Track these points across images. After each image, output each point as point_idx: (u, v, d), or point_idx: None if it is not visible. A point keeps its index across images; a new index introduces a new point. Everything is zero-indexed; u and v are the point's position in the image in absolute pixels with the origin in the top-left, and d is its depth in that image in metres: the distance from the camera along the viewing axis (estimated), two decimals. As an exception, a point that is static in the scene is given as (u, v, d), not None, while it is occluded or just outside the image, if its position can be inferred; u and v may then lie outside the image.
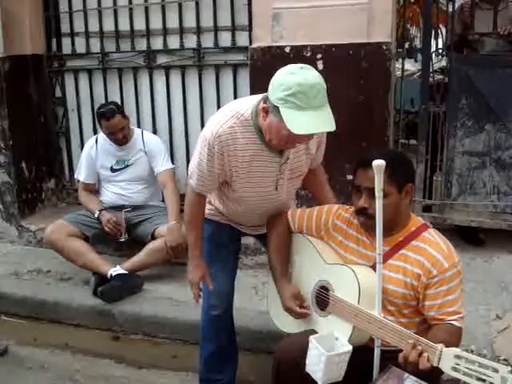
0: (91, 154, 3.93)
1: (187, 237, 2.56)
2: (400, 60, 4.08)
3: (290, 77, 2.00)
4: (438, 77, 4.30)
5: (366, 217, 2.09)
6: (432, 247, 2.06)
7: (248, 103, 2.24)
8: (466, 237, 3.98)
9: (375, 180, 1.87)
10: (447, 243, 2.09)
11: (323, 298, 2.19)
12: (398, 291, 2.07)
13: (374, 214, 1.98)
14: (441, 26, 5.75)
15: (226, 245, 2.62)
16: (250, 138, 2.21)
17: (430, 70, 3.83)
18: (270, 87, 2.06)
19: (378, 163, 1.84)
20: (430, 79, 3.85)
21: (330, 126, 2.01)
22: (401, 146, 4.18)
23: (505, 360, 2.76)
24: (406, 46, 4.20)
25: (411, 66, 6.44)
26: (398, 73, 4.14)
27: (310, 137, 2.13)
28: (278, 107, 2.01)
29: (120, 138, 3.78)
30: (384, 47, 3.43)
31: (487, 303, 3.29)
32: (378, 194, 1.88)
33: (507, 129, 3.73)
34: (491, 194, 3.84)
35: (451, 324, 1.99)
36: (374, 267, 2.07)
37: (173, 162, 4.19)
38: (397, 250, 2.11)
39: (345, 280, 2.10)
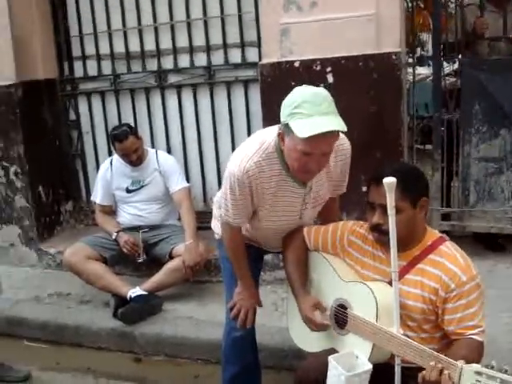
0: (106, 176, 3.95)
1: (235, 267, 2.54)
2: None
3: (293, 94, 2.06)
4: (452, 79, 4.27)
5: (380, 233, 2.07)
6: (449, 260, 2.03)
7: (272, 134, 2.24)
8: (487, 244, 3.93)
9: (387, 197, 1.85)
10: (464, 256, 2.06)
11: (342, 316, 2.17)
12: (417, 306, 2.05)
13: (388, 230, 1.95)
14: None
15: (250, 263, 2.58)
16: (276, 170, 2.24)
17: (441, 77, 3.78)
18: (281, 111, 2.09)
19: (389, 181, 1.82)
20: (442, 85, 3.82)
21: (340, 126, 2.01)
22: (416, 152, 4.15)
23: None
24: (417, 53, 4.16)
25: (424, 69, 6.41)
26: (411, 77, 4.12)
27: (324, 150, 2.09)
28: (288, 124, 2.03)
29: (134, 159, 3.80)
30: (394, 57, 3.41)
31: (510, 310, 3.23)
32: (391, 211, 1.86)
33: (522, 133, 3.69)
34: (509, 199, 3.79)
35: (472, 339, 1.96)
36: (391, 283, 2.04)
37: (188, 180, 4.21)
38: (414, 265, 2.08)
39: (362, 297, 2.08)
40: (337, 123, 2.02)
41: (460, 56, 3.86)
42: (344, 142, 2.32)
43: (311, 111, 1.99)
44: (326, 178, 2.35)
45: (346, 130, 2.02)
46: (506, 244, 3.95)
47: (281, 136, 2.14)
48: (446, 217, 3.93)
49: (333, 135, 2.05)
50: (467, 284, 1.98)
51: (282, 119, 2.08)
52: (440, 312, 2.02)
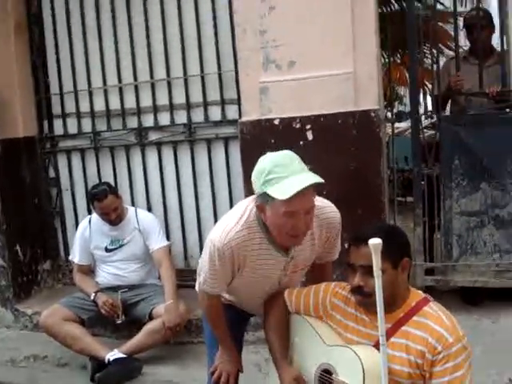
0: (85, 235, 3.89)
1: (215, 333, 2.51)
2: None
3: (261, 162, 2.08)
4: (430, 132, 4.31)
5: (362, 295, 2.02)
6: (435, 322, 1.98)
7: (253, 202, 2.21)
8: (465, 298, 3.90)
9: (373, 259, 1.81)
10: (450, 317, 2.02)
11: (327, 382, 2.10)
12: (404, 371, 1.99)
13: (369, 291, 1.92)
14: (426, 82, 5.88)
15: (231, 325, 2.53)
16: (257, 238, 2.20)
17: (420, 132, 3.82)
18: (253, 185, 2.09)
19: (375, 242, 1.78)
20: (421, 138, 3.85)
21: (315, 179, 2.01)
22: (397, 205, 4.15)
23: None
24: (395, 110, 4.22)
25: (403, 122, 6.51)
26: (390, 130, 4.16)
27: (307, 207, 2.07)
28: (265, 193, 2.01)
29: (113, 218, 3.76)
30: (372, 114, 3.44)
31: (498, 367, 3.18)
32: (377, 273, 1.82)
33: (503, 186, 3.71)
34: (493, 252, 3.78)
35: (461, 405, 1.90)
36: (376, 346, 1.99)
37: (168, 237, 4.18)
38: (398, 327, 2.03)
39: (347, 362, 2.02)
40: (312, 176, 2.02)
41: (437, 111, 3.90)
42: (330, 211, 2.30)
43: (285, 173, 1.99)
44: (309, 246, 2.30)
45: (322, 181, 2.02)
46: (483, 298, 3.90)
47: (260, 208, 2.11)
48: (429, 271, 3.90)
49: (310, 190, 2.03)
50: (454, 346, 1.94)
51: (256, 191, 2.08)
52: (427, 376, 1.96)
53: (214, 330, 2.49)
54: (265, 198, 2.04)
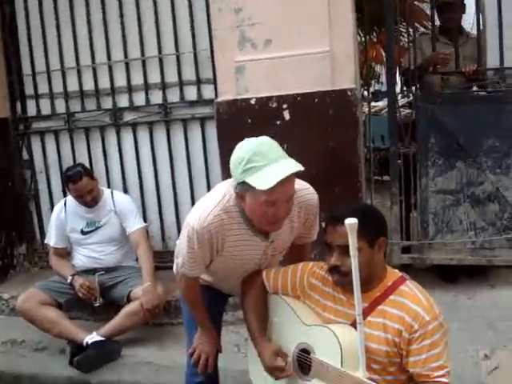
0: (61, 218, 3.84)
1: (193, 315, 2.50)
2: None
3: (239, 150, 2.03)
4: (407, 111, 4.32)
5: (339, 275, 2.03)
6: (411, 301, 2.00)
7: (232, 188, 2.19)
8: (441, 275, 3.94)
9: (349, 239, 1.81)
10: (426, 295, 2.04)
11: (305, 361, 2.11)
12: (381, 349, 2.00)
13: (346, 271, 1.93)
14: (402, 60, 5.88)
15: (209, 306, 2.52)
16: (236, 223, 2.19)
17: (396, 112, 3.82)
18: (232, 172, 2.06)
19: (351, 222, 1.78)
20: (398, 117, 3.86)
21: (296, 167, 1.98)
22: (374, 183, 4.17)
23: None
24: (372, 89, 4.21)
25: (379, 101, 6.52)
26: (367, 109, 4.15)
27: (288, 194, 2.06)
28: (244, 182, 1.99)
29: (89, 200, 3.71)
30: (349, 93, 3.44)
31: (474, 342, 3.23)
32: (353, 253, 1.82)
33: (478, 164, 3.75)
34: (468, 230, 3.83)
35: (439, 381, 1.92)
36: (353, 325, 2.00)
37: (145, 219, 4.15)
38: (375, 306, 2.04)
39: (325, 341, 2.02)
40: (293, 165, 1.99)
41: (414, 90, 3.90)
42: (307, 193, 2.29)
43: (264, 161, 1.96)
44: (288, 228, 2.30)
45: (302, 169, 2.00)
46: (460, 275, 3.95)
47: (239, 196, 2.09)
48: (406, 250, 3.93)
49: (290, 178, 2.01)
50: (431, 324, 1.95)
51: (236, 180, 2.05)
52: (404, 354, 1.98)
53: (192, 311, 2.49)
54: (244, 187, 2.02)
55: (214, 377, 2.65)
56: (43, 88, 4.50)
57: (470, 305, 3.67)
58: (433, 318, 1.96)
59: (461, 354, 3.05)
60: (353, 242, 1.83)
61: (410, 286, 2.06)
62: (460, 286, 3.88)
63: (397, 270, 2.15)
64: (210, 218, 2.14)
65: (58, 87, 4.46)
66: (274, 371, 2.17)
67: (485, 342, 3.22)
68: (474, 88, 3.90)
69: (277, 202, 2.03)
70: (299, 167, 1.99)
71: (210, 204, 2.18)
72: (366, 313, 2.02)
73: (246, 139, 2.06)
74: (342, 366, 1.96)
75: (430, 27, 4.23)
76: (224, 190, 2.21)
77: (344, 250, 1.90)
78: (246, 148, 2.01)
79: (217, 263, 2.32)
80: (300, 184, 2.26)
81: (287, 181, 1.98)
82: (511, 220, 3.77)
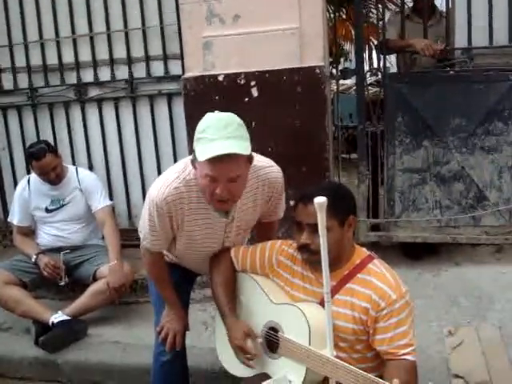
0: (24, 196, 3.76)
1: (160, 292, 2.50)
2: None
3: (201, 121, 2.05)
4: (374, 89, 4.32)
5: (309, 253, 2.04)
6: (378, 279, 2.01)
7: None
8: (407, 253, 3.99)
9: (318, 218, 1.80)
10: (393, 274, 2.06)
11: (273, 339, 2.12)
12: (348, 327, 2.02)
13: (316, 249, 1.92)
14: (372, 38, 5.88)
15: (177, 284, 2.53)
16: (195, 197, 2.19)
17: (364, 90, 3.82)
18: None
19: (320, 201, 1.77)
20: (366, 96, 3.86)
21: (239, 149, 1.98)
22: (342, 162, 4.18)
23: (461, 377, 2.74)
24: (340, 67, 4.20)
25: (348, 80, 6.52)
26: (335, 87, 4.14)
27: (228, 175, 2.04)
28: (195, 150, 2.02)
29: (53, 177, 3.63)
30: (317, 71, 3.41)
31: (439, 319, 3.28)
32: (322, 232, 1.82)
33: (444, 143, 3.77)
34: (434, 208, 3.87)
35: (406, 359, 1.95)
36: (322, 303, 2.02)
37: (111, 197, 4.11)
38: (343, 285, 2.06)
39: (293, 320, 2.03)
40: (237, 146, 1.99)
41: (382, 69, 3.90)
42: (270, 171, 2.29)
43: (214, 136, 1.98)
44: (251, 207, 2.30)
45: (246, 153, 2.02)
46: (425, 253, 4.00)
47: (192, 165, 2.12)
48: (373, 227, 3.96)
49: (235, 159, 2.00)
50: (397, 302, 1.97)
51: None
52: (371, 332, 2.00)
53: (159, 287, 2.49)
54: (194, 156, 2.05)
55: (182, 354, 2.65)
56: (5, 62, 4.37)
57: (435, 282, 3.72)
58: (399, 296, 1.98)
59: (425, 330, 3.10)
60: (322, 221, 1.82)
61: (378, 265, 2.07)
62: (425, 263, 3.93)
63: (365, 249, 2.17)
64: (169, 190, 2.15)
65: (20, 61, 4.34)
66: (239, 350, 2.17)
67: (449, 319, 3.28)
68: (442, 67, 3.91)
69: (218, 179, 2.04)
70: (243, 150, 2.00)
71: (170, 177, 2.20)
72: (334, 291, 2.04)
73: (216, 111, 2.07)
74: (309, 344, 1.98)
75: (399, 4, 4.21)
76: (184, 164, 2.22)
77: (314, 228, 1.89)
78: (205, 119, 2.03)
79: (179, 240, 2.33)
80: (263, 161, 2.28)
81: (228, 160, 1.98)
82: (476, 199, 3.82)
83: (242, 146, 2.00)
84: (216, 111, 2.07)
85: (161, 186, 2.18)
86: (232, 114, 2.06)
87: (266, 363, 2.15)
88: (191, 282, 2.75)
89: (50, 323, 3.40)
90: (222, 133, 1.98)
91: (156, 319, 2.60)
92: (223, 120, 2.02)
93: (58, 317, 3.42)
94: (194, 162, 2.09)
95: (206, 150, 1.97)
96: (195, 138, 2.04)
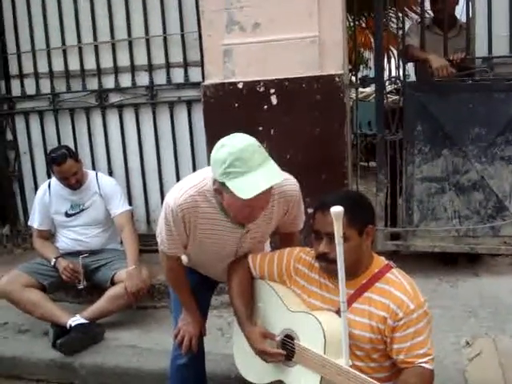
0: (44, 200, 3.80)
1: (178, 296, 2.54)
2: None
3: (221, 150, 2.01)
4: (394, 97, 4.31)
5: (327, 262, 2.03)
6: (396, 289, 2.01)
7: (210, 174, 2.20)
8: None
9: (334, 227, 1.81)
10: (412, 283, 2.05)
11: (289, 347, 2.12)
12: (365, 336, 2.02)
13: (334, 258, 1.92)
14: (392, 47, 5.87)
15: (196, 288, 2.54)
16: (211, 207, 2.22)
17: (384, 98, 3.82)
18: (212, 167, 2.07)
19: (337, 210, 1.78)
20: (385, 104, 3.86)
21: (276, 179, 2.02)
22: (360, 170, 4.17)
23: (477, 388, 2.73)
24: (360, 75, 4.20)
25: (367, 87, 6.51)
26: (354, 95, 4.14)
27: (266, 201, 2.11)
28: (224, 183, 2.01)
29: (73, 182, 3.67)
30: (337, 79, 3.42)
31: (456, 330, 3.25)
32: (338, 241, 1.82)
33: (463, 153, 3.75)
34: (452, 218, 3.85)
35: (422, 367, 1.94)
36: (338, 312, 2.01)
37: (130, 202, 4.14)
38: (361, 293, 2.05)
39: (309, 328, 2.03)
40: (273, 175, 2.01)
41: (402, 77, 3.89)
42: (287, 184, 2.28)
43: (245, 168, 1.97)
44: (266, 221, 2.31)
45: (282, 179, 2.05)
46: (444, 263, 3.99)
47: (218, 192, 2.11)
48: (392, 236, 3.95)
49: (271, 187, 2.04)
50: (415, 312, 1.97)
51: (215, 177, 2.06)
52: (389, 341, 2.00)
53: (176, 291, 2.53)
54: (223, 187, 2.03)
55: (200, 359, 2.67)
56: (28, 68, 4.44)
57: (453, 292, 3.69)
58: (417, 306, 1.98)
59: (442, 341, 3.08)
60: (338, 230, 1.83)
61: (396, 274, 2.07)
62: (443, 273, 3.90)
63: (383, 258, 2.17)
64: (185, 197, 2.18)
65: (43, 67, 4.40)
66: (263, 354, 2.16)
67: (466, 330, 3.25)
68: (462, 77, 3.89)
69: (255, 205, 2.06)
70: (279, 177, 2.03)
71: (186, 185, 2.22)
72: (352, 299, 2.04)
73: (230, 137, 2.04)
74: (325, 353, 1.98)
75: (419, 13, 4.20)
76: (204, 175, 2.23)
77: (332, 237, 1.89)
78: (227, 151, 1.99)
79: (192, 246, 2.36)
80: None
81: (266, 190, 2.00)
82: (495, 209, 3.79)
83: (277, 174, 2.02)
84: (230, 134, 2.06)
85: (177, 193, 2.21)
86: (248, 138, 2.04)
87: (280, 370, 2.15)
88: (211, 288, 2.75)
89: (68, 326, 3.42)
90: (250, 164, 1.97)
91: (174, 323, 2.62)
92: (248, 150, 1.98)
93: (75, 320, 3.44)
94: (220, 190, 2.08)
95: (244, 186, 1.96)
96: (220, 170, 1.99)
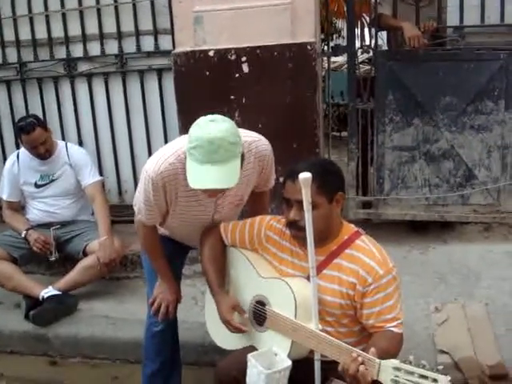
0: (13, 171, 3.74)
1: (153, 264, 2.54)
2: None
3: (195, 129, 2.04)
4: (366, 67, 4.30)
5: (297, 229, 2.05)
6: (366, 255, 2.04)
7: None
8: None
9: (303, 193, 1.82)
10: (380, 249, 2.08)
11: (260, 313, 2.15)
12: (335, 301, 2.05)
13: (304, 225, 1.94)
14: (365, 15, 5.83)
15: (170, 257, 2.56)
16: None
17: (356, 67, 3.81)
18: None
19: (305, 176, 1.79)
20: (357, 74, 3.85)
21: (227, 183, 2.02)
22: (332, 139, 4.18)
23: (446, 353, 2.78)
24: (332, 44, 4.17)
25: (339, 57, 6.47)
26: (326, 65, 4.12)
27: (212, 194, 2.18)
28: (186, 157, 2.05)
29: (42, 152, 3.61)
30: (309, 47, 3.40)
31: (426, 296, 3.31)
32: (307, 207, 1.83)
33: (434, 122, 3.78)
34: (423, 187, 3.89)
35: (391, 331, 1.98)
36: (309, 278, 2.03)
37: (101, 172, 4.10)
38: (331, 260, 2.08)
39: (280, 294, 2.06)
40: (226, 178, 2.01)
41: (374, 47, 3.88)
42: (260, 144, 2.32)
43: (204, 158, 1.98)
44: (245, 181, 2.32)
45: (232, 186, 2.04)
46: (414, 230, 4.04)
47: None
48: (364, 205, 3.98)
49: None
50: (384, 278, 2.00)
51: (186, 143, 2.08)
52: (358, 306, 2.03)
53: (152, 260, 2.53)
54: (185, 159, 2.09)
55: (173, 325, 2.71)
56: (-6, 36, 4.34)
57: (423, 259, 3.75)
58: (386, 271, 2.01)
59: (412, 307, 3.13)
60: (306, 197, 1.84)
61: (365, 241, 2.09)
62: (414, 241, 3.96)
63: (352, 225, 2.19)
64: (165, 165, 2.18)
65: (9, 36, 4.29)
66: (227, 324, 2.20)
67: (436, 296, 3.31)
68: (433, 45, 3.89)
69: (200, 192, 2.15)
70: (232, 184, 2.03)
71: (167, 153, 2.22)
72: (322, 266, 2.06)
73: (209, 121, 2.03)
74: (295, 318, 2.01)
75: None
76: (182, 143, 2.22)
77: (302, 205, 1.90)
78: (198, 134, 2.01)
79: (173, 214, 2.36)
80: (252, 136, 2.31)
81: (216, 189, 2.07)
82: (464, 177, 3.84)
83: (231, 179, 2.02)
84: (209, 115, 2.06)
85: (157, 161, 2.20)
86: (225, 131, 2.01)
87: (253, 336, 2.18)
88: (184, 254, 2.78)
89: (41, 298, 3.42)
90: (211, 156, 1.97)
91: (148, 291, 2.63)
92: (214, 143, 1.97)
93: (48, 291, 3.43)
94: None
95: (194, 174, 2.01)
96: (188, 144, 2.03)
